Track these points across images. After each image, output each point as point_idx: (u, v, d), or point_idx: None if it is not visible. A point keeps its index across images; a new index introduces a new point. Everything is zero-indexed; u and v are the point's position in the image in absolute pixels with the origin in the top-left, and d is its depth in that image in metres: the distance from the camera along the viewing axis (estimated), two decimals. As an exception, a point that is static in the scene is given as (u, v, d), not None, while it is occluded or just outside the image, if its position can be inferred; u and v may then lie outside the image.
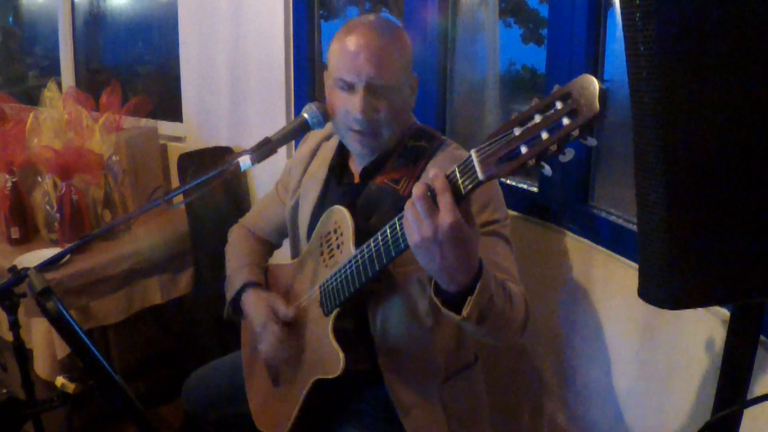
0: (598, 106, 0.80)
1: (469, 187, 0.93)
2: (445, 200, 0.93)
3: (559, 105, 0.83)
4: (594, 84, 0.81)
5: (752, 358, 0.94)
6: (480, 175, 0.91)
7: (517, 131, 0.87)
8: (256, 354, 1.55)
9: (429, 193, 0.94)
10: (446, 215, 0.93)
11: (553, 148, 0.84)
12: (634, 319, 1.46)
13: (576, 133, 0.83)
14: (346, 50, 1.25)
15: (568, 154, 0.86)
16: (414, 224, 0.96)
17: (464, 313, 1.01)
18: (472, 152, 0.92)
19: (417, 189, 0.95)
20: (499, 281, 1.12)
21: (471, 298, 1.00)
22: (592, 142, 0.84)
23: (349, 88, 1.26)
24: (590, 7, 1.51)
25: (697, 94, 0.74)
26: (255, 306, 1.44)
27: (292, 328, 1.40)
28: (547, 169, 0.87)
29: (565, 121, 0.83)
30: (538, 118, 0.85)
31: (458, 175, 0.94)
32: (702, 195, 0.76)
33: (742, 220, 0.77)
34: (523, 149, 0.86)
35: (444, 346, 1.35)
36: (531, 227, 1.72)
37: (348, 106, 1.27)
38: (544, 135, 0.84)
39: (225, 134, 2.58)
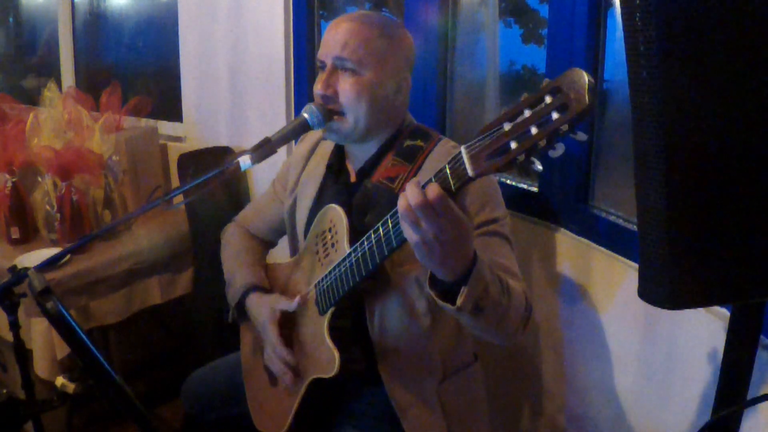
0: (587, 99, 0.79)
1: (458, 184, 0.92)
2: (444, 204, 0.92)
3: (548, 99, 0.83)
4: (584, 78, 0.80)
5: (752, 358, 0.94)
6: (470, 172, 0.90)
7: (507, 126, 0.86)
8: (256, 354, 1.55)
9: (424, 197, 0.93)
10: (446, 217, 0.93)
11: (543, 143, 0.83)
12: (634, 319, 1.46)
13: (566, 127, 0.81)
14: (325, 33, 1.30)
15: (559, 149, 0.85)
16: (412, 228, 0.95)
17: (459, 302, 1.01)
18: (462, 148, 0.91)
19: (413, 197, 0.93)
20: (495, 273, 1.11)
21: (465, 288, 1.00)
22: (582, 136, 0.83)
23: (324, 68, 1.30)
24: (590, 7, 1.51)
25: (697, 94, 0.74)
26: (258, 308, 1.44)
27: (291, 327, 1.40)
28: (537, 165, 0.86)
29: (555, 115, 0.82)
30: (527, 113, 0.85)
31: (449, 171, 0.93)
32: (702, 195, 0.76)
33: (742, 221, 0.77)
34: (513, 144, 0.85)
35: (442, 346, 1.35)
36: (531, 227, 1.72)
37: (317, 84, 1.29)
38: (534, 130, 0.83)
39: (225, 134, 2.58)
